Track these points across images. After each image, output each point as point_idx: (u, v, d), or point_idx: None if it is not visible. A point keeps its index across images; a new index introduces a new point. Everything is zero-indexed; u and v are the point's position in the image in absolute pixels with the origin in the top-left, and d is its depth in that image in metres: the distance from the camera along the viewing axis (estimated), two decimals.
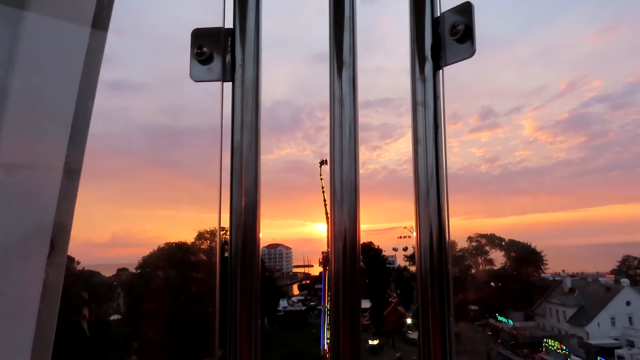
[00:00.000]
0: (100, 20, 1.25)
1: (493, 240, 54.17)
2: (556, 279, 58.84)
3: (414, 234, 1.04)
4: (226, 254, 1.08)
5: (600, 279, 61.22)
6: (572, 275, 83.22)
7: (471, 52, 1.01)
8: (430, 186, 1.02)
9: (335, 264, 1.00)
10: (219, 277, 1.06)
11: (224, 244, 1.11)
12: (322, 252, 50.81)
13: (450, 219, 1.03)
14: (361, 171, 1.08)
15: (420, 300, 1.02)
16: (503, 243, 53.82)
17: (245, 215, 1.01)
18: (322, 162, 38.68)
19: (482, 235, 53.47)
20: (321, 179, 39.48)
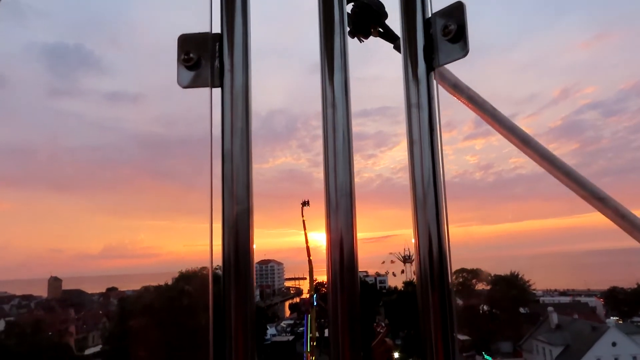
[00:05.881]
0: None
1: (479, 274, 53.84)
2: (545, 301, 58.49)
3: (413, 240, 1.02)
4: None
5: (589, 301, 60.98)
6: (563, 293, 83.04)
7: (464, 52, 1.00)
8: (427, 190, 1.00)
9: (332, 274, 0.98)
10: (211, 292, 1.02)
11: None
12: (301, 298, 50.10)
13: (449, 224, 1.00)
14: (356, 180, 1.04)
15: (421, 310, 0.99)
16: (489, 277, 53.50)
17: (238, 224, 0.97)
18: (304, 203, 38.21)
19: (468, 271, 53.15)
20: (304, 222, 39.05)
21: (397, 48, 1.54)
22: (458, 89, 1.53)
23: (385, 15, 1.49)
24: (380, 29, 1.51)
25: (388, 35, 1.53)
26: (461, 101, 1.56)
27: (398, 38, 1.51)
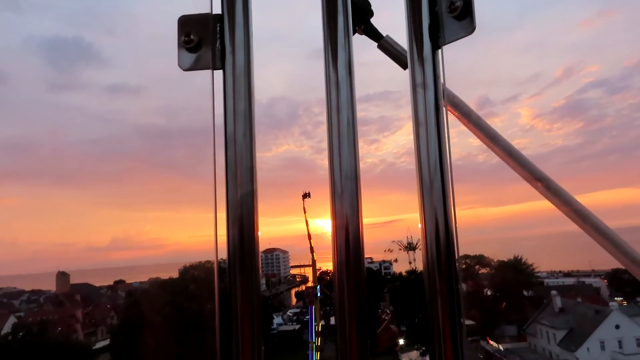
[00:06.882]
0: None
1: (482, 260, 53.93)
2: (549, 283, 58.59)
3: (419, 225, 0.99)
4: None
5: (593, 282, 61.02)
6: (567, 274, 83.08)
7: (471, 29, 0.98)
8: (434, 172, 0.98)
9: (338, 260, 0.97)
10: (217, 282, 1.00)
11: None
12: (306, 286, 50.51)
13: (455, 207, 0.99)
14: (360, 165, 1.02)
15: (428, 295, 0.98)
16: (492, 263, 53.58)
17: (242, 208, 0.96)
18: (305, 195, 38.14)
19: (470, 257, 53.18)
20: (306, 219, 38.94)
21: (380, 47, 1.55)
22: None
23: (371, 14, 1.48)
24: (364, 27, 1.51)
25: (373, 33, 1.54)
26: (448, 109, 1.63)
27: (382, 37, 1.55)
